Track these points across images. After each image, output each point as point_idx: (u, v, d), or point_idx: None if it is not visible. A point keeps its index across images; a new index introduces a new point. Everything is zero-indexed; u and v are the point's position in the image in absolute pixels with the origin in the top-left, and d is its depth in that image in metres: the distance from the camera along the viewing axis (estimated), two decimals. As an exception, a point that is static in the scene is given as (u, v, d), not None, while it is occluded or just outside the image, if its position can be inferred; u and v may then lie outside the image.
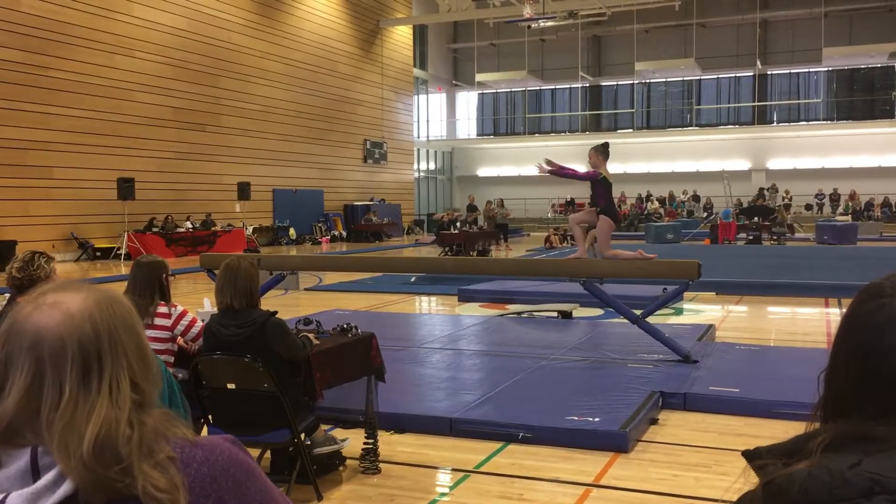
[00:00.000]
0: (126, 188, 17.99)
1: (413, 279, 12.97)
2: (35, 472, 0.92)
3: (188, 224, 20.21)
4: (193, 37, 21.12)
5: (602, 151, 7.30)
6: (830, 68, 32.46)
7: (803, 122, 33.36)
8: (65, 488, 0.90)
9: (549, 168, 7.53)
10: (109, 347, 0.97)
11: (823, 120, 33.23)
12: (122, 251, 17.73)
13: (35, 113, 16.93)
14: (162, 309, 3.93)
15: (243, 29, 23.00)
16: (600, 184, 7.26)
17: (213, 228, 20.68)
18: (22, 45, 16.63)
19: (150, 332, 3.86)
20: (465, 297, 10.98)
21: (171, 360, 3.96)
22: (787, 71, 33.39)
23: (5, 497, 0.90)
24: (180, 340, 4.05)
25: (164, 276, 4.00)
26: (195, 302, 8.51)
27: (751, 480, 0.96)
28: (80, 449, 0.90)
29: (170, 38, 20.38)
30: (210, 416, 3.79)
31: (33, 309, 0.97)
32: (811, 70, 32.88)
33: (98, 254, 18.00)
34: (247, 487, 0.98)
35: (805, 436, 0.95)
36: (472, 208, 24.32)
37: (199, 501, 0.94)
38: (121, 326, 1.00)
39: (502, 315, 9.37)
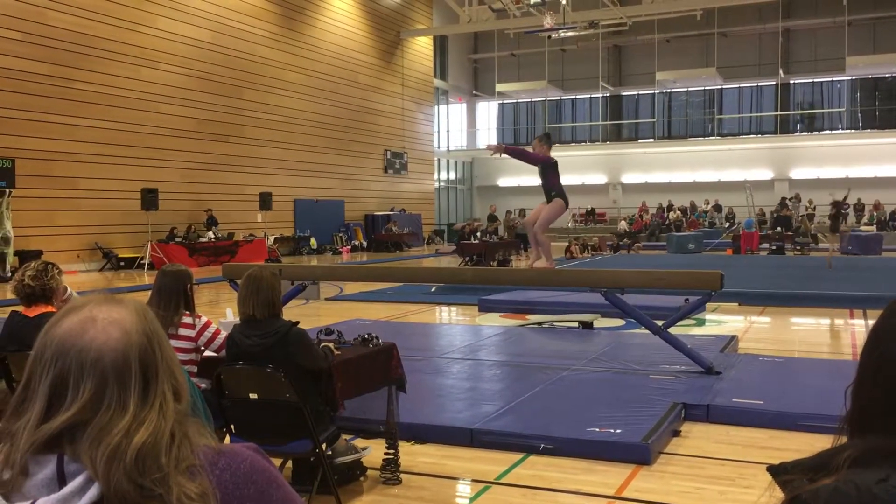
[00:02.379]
0: (150, 198, 18.18)
1: (433, 289, 12.97)
2: (61, 479, 0.94)
3: (210, 234, 20.36)
4: (217, 49, 21.34)
5: (545, 141, 7.63)
6: (854, 77, 32.19)
7: (826, 132, 33.07)
8: (91, 494, 0.92)
9: (502, 148, 7.73)
10: (161, 360, 1.02)
11: (847, 129, 32.91)
12: (146, 261, 17.90)
13: (61, 124, 17.17)
14: (186, 319, 3.95)
15: (266, 41, 23.21)
16: (552, 168, 7.49)
17: (234, 238, 20.83)
18: (49, 57, 16.89)
19: (174, 343, 3.89)
20: (486, 308, 10.96)
21: (195, 370, 3.98)
22: (810, 80, 33.14)
23: (33, 503, 0.92)
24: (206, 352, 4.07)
25: (189, 285, 4.02)
26: (218, 312, 8.58)
27: (776, 495, 0.96)
28: (125, 458, 0.93)
29: (194, 51, 20.61)
30: (232, 426, 3.81)
31: (84, 324, 0.99)
32: (834, 79, 32.61)
33: (122, 263, 18.18)
34: (269, 495, 1.00)
35: (831, 451, 0.94)
36: (492, 218, 24.31)
37: None
38: (163, 338, 1.05)
39: (523, 325, 9.35)
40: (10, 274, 14.44)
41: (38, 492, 0.93)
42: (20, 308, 3.85)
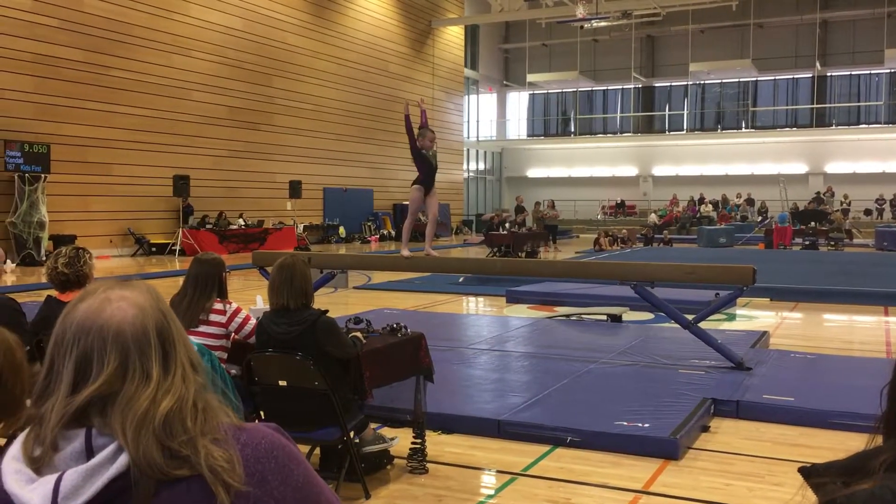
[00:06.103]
0: (181, 185, 18.38)
1: (461, 279, 12.98)
2: (89, 452, 0.97)
3: (241, 221, 20.53)
4: (248, 37, 21.47)
5: (423, 133, 7.68)
6: (893, 70, 31.57)
7: (863, 125, 32.48)
8: (119, 464, 0.96)
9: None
10: (176, 333, 1.07)
11: (884, 123, 32.29)
12: (177, 247, 18.11)
13: (96, 111, 17.38)
14: (217, 305, 3.98)
15: (297, 29, 23.29)
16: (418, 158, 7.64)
17: (263, 226, 20.97)
18: (85, 44, 17.10)
19: (205, 329, 3.93)
20: (514, 299, 10.94)
21: (225, 356, 4.02)
22: (848, 72, 32.55)
23: (61, 475, 0.95)
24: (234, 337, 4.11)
25: (223, 273, 4.06)
26: (247, 299, 8.65)
27: (808, 497, 0.95)
28: (153, 422, 0.98)
29: (225, 38, 20.75)
30: (262, 413, 3.85)
31: (101, 304, 1.04)
32: (872, 72, 32.01)
33: (153, 249, 18.41)
34: (289, 469, 1.02)
35: (866, 453, 0.93)
36: (519, 209, 24.20)
37: (244, 480, 0.98)
38: (174, 316, 1.10)
39: (551, 317, 9.32)
40: (45, 258, 14.69)
41: (67, 465, 0.97)
42: (54, 293, 3.92)
